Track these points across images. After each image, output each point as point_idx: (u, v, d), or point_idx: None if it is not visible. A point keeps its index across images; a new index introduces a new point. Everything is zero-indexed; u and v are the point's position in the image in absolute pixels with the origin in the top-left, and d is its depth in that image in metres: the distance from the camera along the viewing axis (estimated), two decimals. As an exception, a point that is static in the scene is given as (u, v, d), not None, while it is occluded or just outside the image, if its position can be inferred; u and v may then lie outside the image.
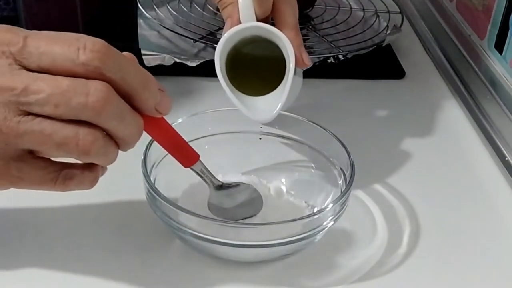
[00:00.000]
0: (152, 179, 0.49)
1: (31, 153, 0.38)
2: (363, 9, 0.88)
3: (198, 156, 0.46)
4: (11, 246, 0.48)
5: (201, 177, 0.48)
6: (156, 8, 0.82)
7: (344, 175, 0.51)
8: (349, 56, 0.76)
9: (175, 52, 0.74)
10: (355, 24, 0.83)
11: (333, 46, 0.77)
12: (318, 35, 0.80)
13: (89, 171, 0.40)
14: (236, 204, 0.51)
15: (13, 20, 0.64)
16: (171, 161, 0.51)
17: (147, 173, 0.47)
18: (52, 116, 0.35)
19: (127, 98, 0.38)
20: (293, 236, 0.45)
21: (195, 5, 0.85)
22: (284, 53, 0.51)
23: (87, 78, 0.36)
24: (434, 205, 0.56)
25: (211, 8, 0.84)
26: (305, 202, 0.53)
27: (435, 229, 0.54)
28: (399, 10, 0.88)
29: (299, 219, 0.46)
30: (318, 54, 0.74)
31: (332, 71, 0.75)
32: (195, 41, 0.76)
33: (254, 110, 0.51)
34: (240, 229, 0.45)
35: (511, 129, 0.63)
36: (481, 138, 0.66)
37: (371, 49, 0.77)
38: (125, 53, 0.38)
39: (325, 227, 0.47)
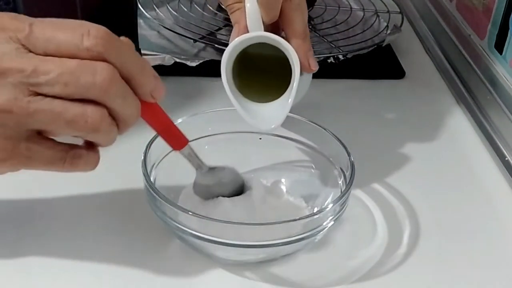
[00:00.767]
0: (152, 179, 0.49)
1: (39, 135, 0.40)
2: (363, 9, 0.88)
3: (187, 140, 0.47)
4: (10, 238, 0.49)
5: (189, 160, 0.49)
6: (156, 8, 0.82)
7: (344, 175, 0.51)
8: (349, 56, 0.76)
9: (175, 52, 0.74)
10: (355, 24, 0.84)
11: (333, 46, 0.77)
12: (318, 35, 0.80)
13: (92, 151, 0.41)
14: (218, 182, 0.51)
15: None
16: (171, 161, 0.51)
17: (147, 173, 0.47)
18: (61, 95, 0.37)
19: (126, 82, 0.39)
20: (293, 236, 0.45)
21: (195, 5, 0.85)
22: (290, 63, 0.51)
23: None
24: (434, 205, 0.56)
25: (211, 8, 0.84)
26: (305, 202, 0.53)
27: (435, 229, 0.54)
28: (399, 10, 0.88)
29: (299, 219, 0.46)
30: (318, 54, 0.74)
31: (332, 71, 0.75)
32: (195, 41, 0.76)
33: (258, 119, 0.51)
34: (240, 229, 0.45)
35: (511, 129, 0.63)
36: (481, 138, 0.66)
37: (371, 49, 0.77)
38: (122, 37, 0.39)
39: (325, 227, 0.47)
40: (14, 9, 0.56)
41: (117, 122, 0.40)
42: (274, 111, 0.52)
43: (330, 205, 0.47)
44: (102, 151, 0.43)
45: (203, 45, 0.77)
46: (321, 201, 0.52)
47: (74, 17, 0.59)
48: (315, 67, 0.53)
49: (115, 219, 0.52)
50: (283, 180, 0.55)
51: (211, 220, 0.45)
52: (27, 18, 0.38)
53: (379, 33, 0.82)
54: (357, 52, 0.76)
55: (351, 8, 0.89)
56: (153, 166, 0.50)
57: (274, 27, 0.53)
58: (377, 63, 0.78)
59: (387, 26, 0.84)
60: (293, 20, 0.52)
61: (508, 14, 0.67)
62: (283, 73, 0.52)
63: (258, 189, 0.52)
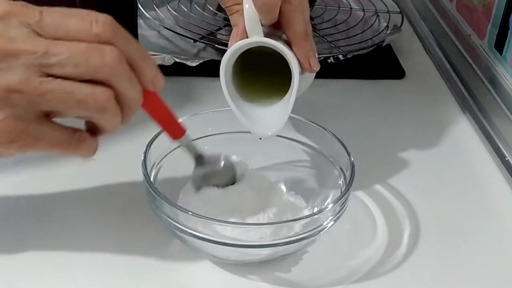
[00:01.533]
0: (152, 179, 0.49)
1: (47, 116, 0.41)
2: (363, 9, 0.88)
3: (185, 130, 0.48)
4: (10, 235, 0.49)
5: (187, 150, 0.49)
6: (156, 8, 0.82)
7: (344, 175, 0.51)
8: (349, 56, 0.76)
9: (175, 52, 0.74)
10: (355, 24, 0.84)
11: (333, 46, 0.77)
12: (318, 35, 0.80)
13: (93, 136, 0.43)
14: (212, 172, 0.51)
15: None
16: (171, 161, 0.51)
17: (147, 173, 0.48)
18: (72, 76, 0.38)
19: None
20: (293, 236, 0.45)
21: (195, 5, 0.85)
22: (290, 68, 0.50)
23: None
24: (434, 205, 0.56)
25: (211, 8, 0.84)
26: (305, 202, 0.53)
27: (435, 229, 0.54)
28: (399, 10, 0.88)
29: (299, 219, 0.46)
30: (318, 54, 0.73)
31: (332, 71, 0.75)
32: (195, 41, 0.76)
33: (256, 125, 0.51)
34: (240, 229, 0.45)
35: (511, 129, 0.63)
36: (481, 138, 0.66)
37: (371, 49, 0.77)
38: None
39: (325, 227, 0.47)
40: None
41: (122, 107, 0.41)
42: (273, 116, 0.51)
43: (330, 205, 0.47)
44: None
45: (203, 45, 0.77)
46: (321, 201, 0.52)
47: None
48: (316, 67, 0.53)
49: (115, 219, 0.52)
50: (283, 180, 0.55)
51: (211, 220, 0.45)
52: (36, 6, 0.39)
53: (379, 33, 0.82)
54: (357, 52, 0.76)
55: (351, 8, 0.89)
56: (153, 166, 0.50)
57: (276, 25, 0.53)
58: (377, 63, 0.79)
59: (387, 26, 0.84)
60: (293, 21, 0.52)
61: (508, 14, 0.67)
62: (285, 71, 0.52)
63: (258, 189, 0.52)
